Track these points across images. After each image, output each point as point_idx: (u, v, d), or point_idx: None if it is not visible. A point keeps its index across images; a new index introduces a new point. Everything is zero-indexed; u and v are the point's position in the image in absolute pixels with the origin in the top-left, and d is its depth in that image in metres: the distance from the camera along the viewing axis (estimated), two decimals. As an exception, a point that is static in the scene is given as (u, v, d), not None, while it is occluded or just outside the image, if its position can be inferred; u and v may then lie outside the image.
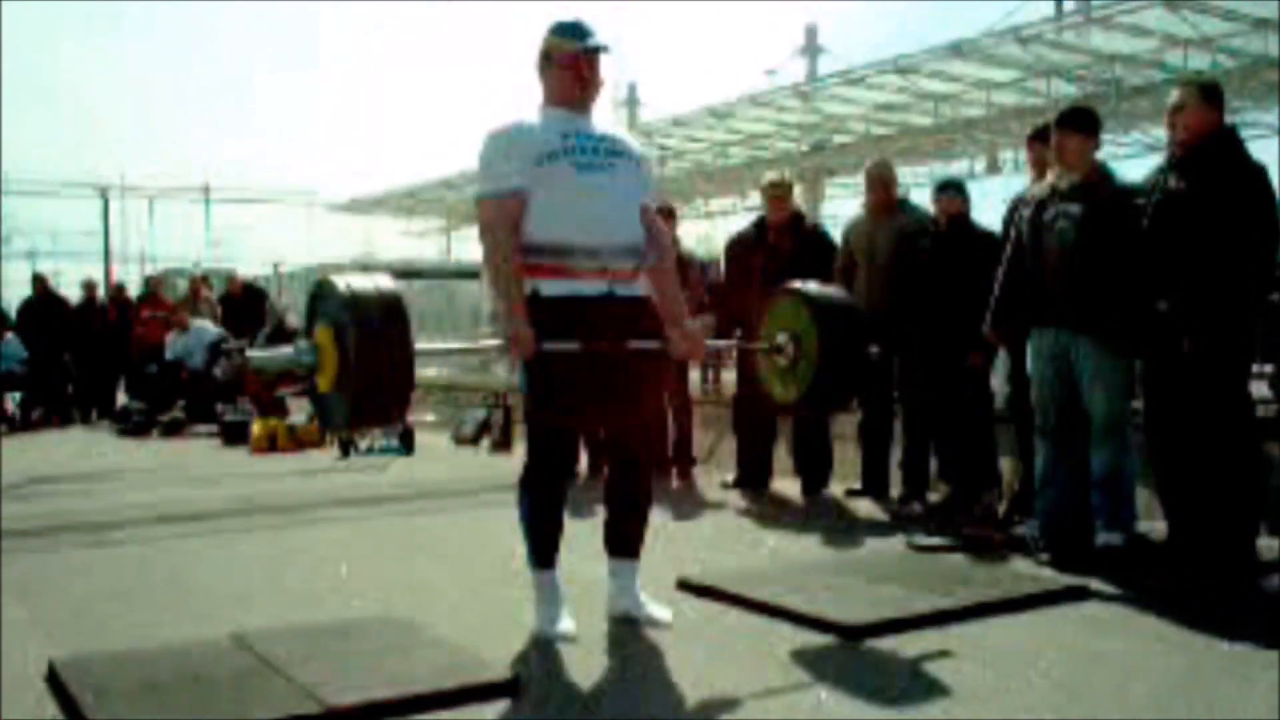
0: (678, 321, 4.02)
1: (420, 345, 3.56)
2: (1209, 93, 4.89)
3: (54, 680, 3.45)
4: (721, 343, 4.96)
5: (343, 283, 3.48)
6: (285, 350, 3.62)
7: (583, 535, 4.33)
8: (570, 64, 3.86)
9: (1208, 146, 4.76)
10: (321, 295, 3.60)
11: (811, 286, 4.48)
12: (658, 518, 4.35)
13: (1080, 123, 5.21)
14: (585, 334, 3.75)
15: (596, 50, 3.88)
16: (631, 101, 30.78)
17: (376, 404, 3.47)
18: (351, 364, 3.39)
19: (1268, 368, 7.72)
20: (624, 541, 4.17)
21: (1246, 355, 4.96)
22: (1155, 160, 5.25)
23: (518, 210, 3.77)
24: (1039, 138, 5.90)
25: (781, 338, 4.38)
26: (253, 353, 3.56)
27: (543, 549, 4.05)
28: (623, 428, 4.07)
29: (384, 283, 3.52)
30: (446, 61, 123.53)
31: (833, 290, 4.51)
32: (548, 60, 3.91)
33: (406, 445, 9.97)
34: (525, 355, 3.73)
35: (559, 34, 3.89)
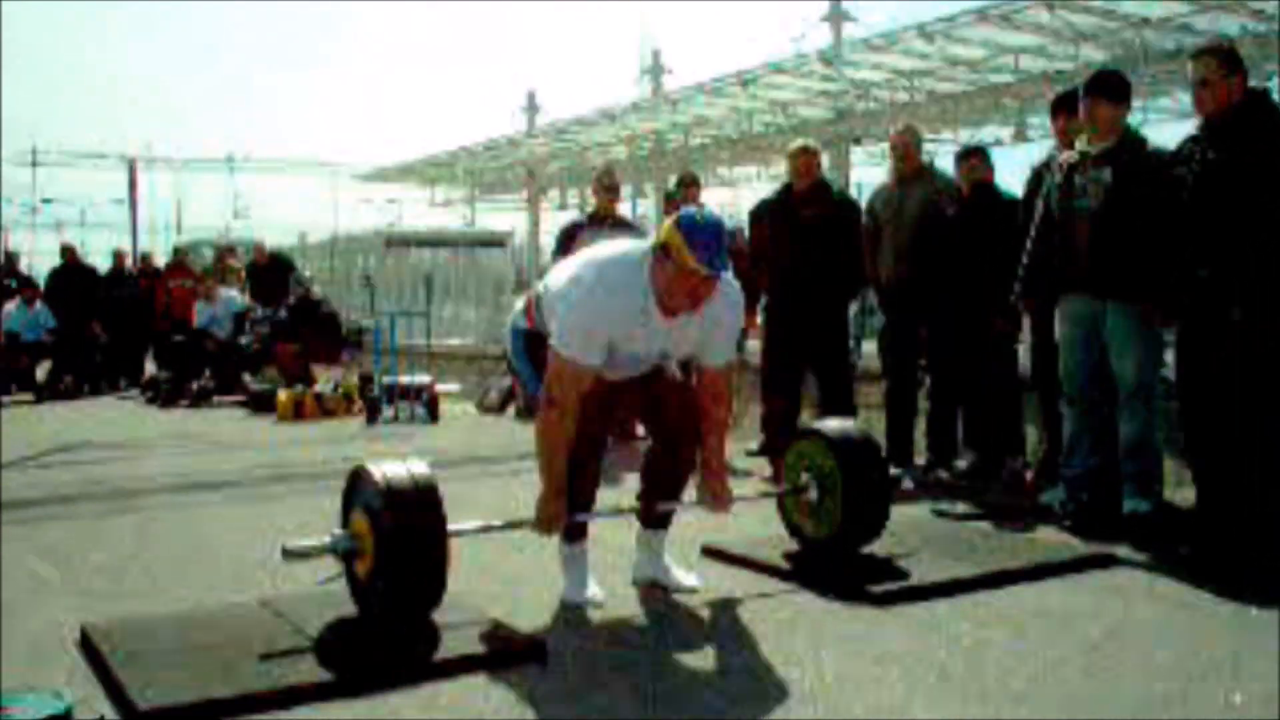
0: (717, 475, 4.11)
1: (452, 526, 3.59)
2: (1228, 59, 4.78)
3: (86, 644, 3.49)
4: (748, 497, 4.99)
5: (377, 470, 3.55)
6: (322, 540, 3.66)
7: (608, 501, 4.34)
8: (693, 284, 3.61)
9: (1240, 113, 4.69)
10: (357, 481, 3.68)
11: (831, 425, 4.56)
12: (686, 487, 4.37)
13: (1110, 88, 5.15)
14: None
15: (712, 270, 3.61)
16: (656, 69, 30.61)
17: (414, 593, 3.52)
18: (387, 554, 3.47)
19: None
20: (657, 513, 4.19)
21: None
22: (1185, 127, 5.17)
23: (589, 380, 3.75)
24: (1063, 105, 5.84)
25: (804, 477, 4.45)
26: (289, 543, 3.56)
27: (572, 522, 4.06)
28: (667, 405, 4.10)
29: (418, 469, 3.59)
30: (471, 31, 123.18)
31: (851, 427, 4.57)
32: (666, 254, 3.60)
33: (432, 414, 10.01)
34: (553, 534, 3.93)
35: (690, 246, 3.55)
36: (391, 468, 3.57)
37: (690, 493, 4.24)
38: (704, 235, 3.57)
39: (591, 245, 4.16)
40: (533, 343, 3.99)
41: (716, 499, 4.13)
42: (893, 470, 5.49)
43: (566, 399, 3.71)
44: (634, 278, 3.69)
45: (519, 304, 4.19)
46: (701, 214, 3.68)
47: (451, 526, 3.58)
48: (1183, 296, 4.80)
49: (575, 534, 4.07)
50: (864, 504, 4.33)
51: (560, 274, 3.92)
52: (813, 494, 4.42)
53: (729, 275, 3.77)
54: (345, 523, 3.72)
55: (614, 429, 7.09)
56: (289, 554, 3.62)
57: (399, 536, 3.44)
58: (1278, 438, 4.67)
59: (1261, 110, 4.71)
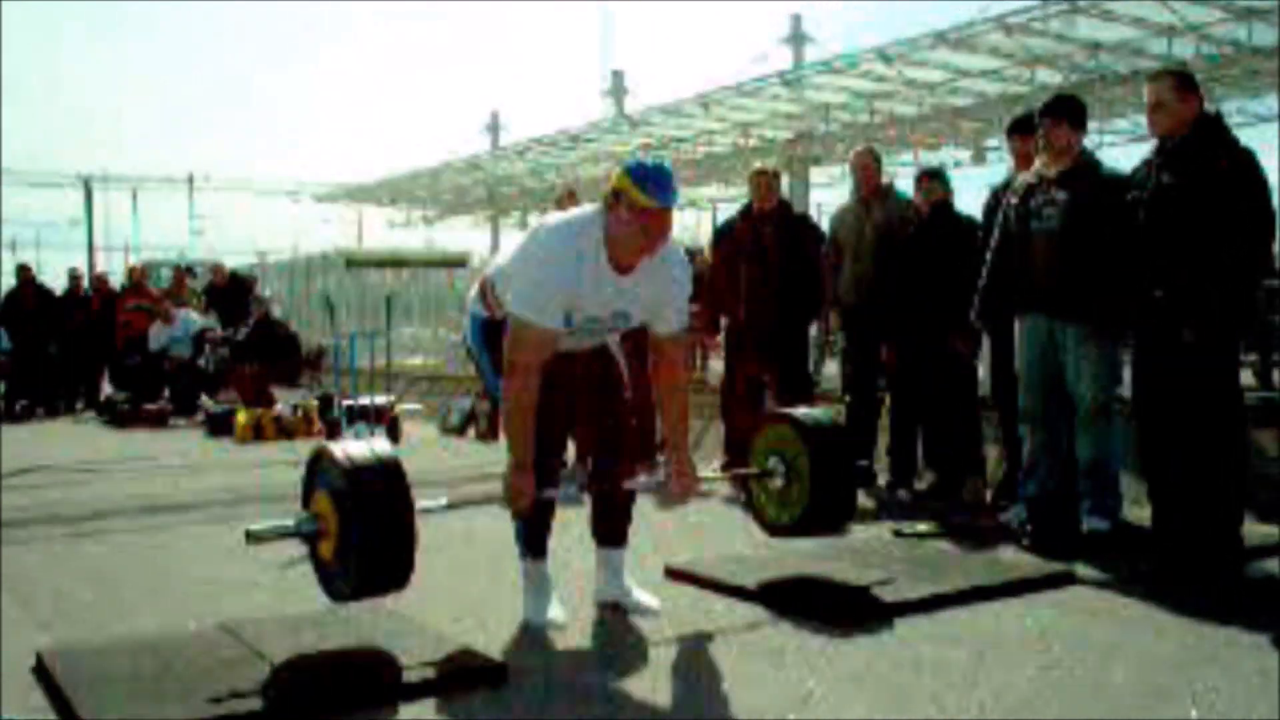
0: (680, 451, 4.06)
1: (420, 504, 3.50)
2: (1184, 82, 4.86)
3: (41, 671, 3.45)
4: (714, 475, 4.92)
5: (340, 449, 3.48)
6: (285, 521, 3.60)
7: (570, 524, 4.33)
8: (645, 220, 3.66)
9: (1194, 136, 4.76)
10: (319, 461, 3.59)
11: (801, 411, 4.52)
12: (644, 506, 4.36)
13: (1066, 111, 5.22)
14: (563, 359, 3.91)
15: (664, 203, 3.68)
16: (618, 90, 30.73)
17: (381, 571, 3.44)
18: (353, 533, 3.38)
19: (1252, 356, 7.76)
20: (610, 530, 4.19)
21: (1238, 343, 4.97)
22: (1141, 149, 5.24)
23: (552, 344, 3.76)
24: (1019, 129, 5.91)
25: (772, 461, 4.42)
26: (252, 527, 3.47)
27: (533, 539, 4.06)
28: (601, 417, 4.10)
29: (381, 447, 3.52)
30: (430, 53, 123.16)
31: (820, 413, 4.55)
32: (617, 199, 3.66)
33: (393, 435, 9.96)
34: (522, 508, 3.84)
35: (639, 183, 3.64)
36: (354, 446, 3.50)
37: (645, 484, 4.20)
38: (653, 173, 3.66)
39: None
40: (492, 332, 3.94)
41: (680, 478, 4.04)
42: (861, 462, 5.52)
43: (530, 365, 3.70)
44: (585, 236, 3.72)
45: (473, 290, 4.17)
46: (646, 158, 3.76)
47: (419, 504, 3.48)
48: (1137, 317, 4.86)
49: (537, 551, 4.06)
50: (831, 491, 4.29)
51: (510, 249, 3.98)
52: (779, 480, 4.39)
53: (678, 246, 3.89)
54: (306, 504, 3.63)
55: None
56: (252, 537, 3.55)
57: (365, 512, 3.35)
58: (1230, 457, 4.74)
59: (1213, 133, 4.79)
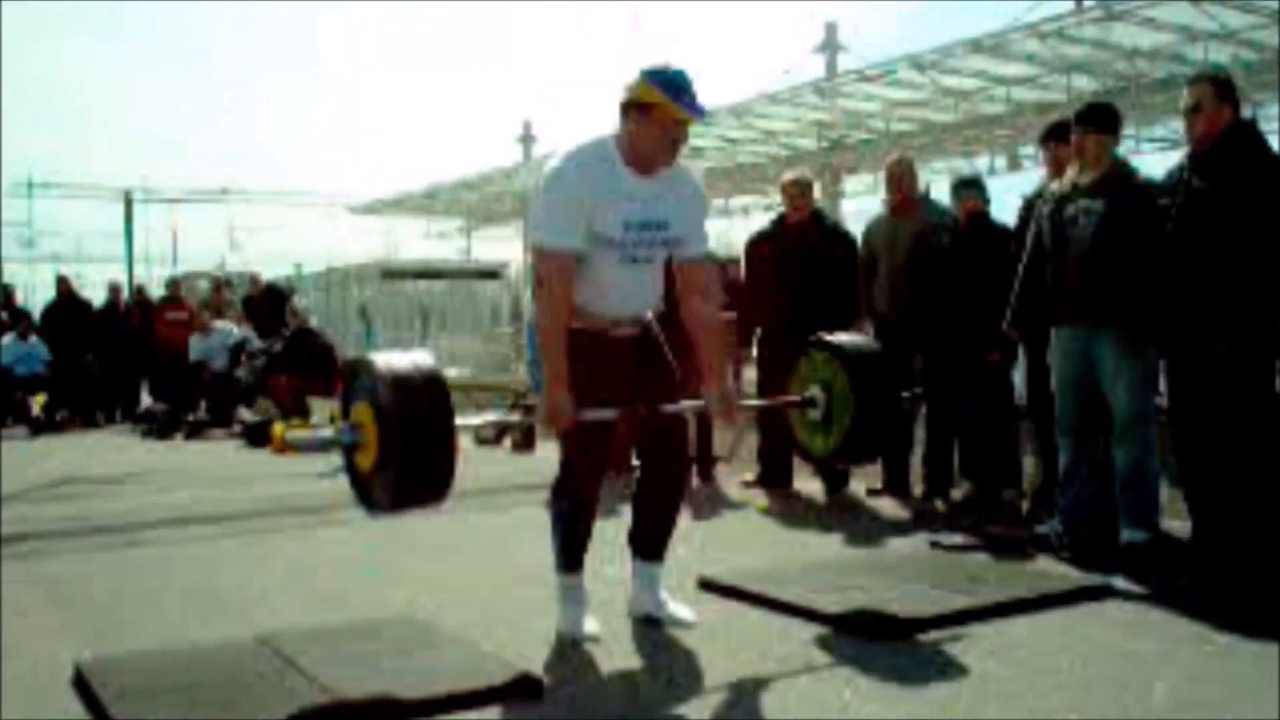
0: (717, 380, 4.05)
1: (460, 420, 3.47)
2: (1223, 88, 4.83)
3: (80, 682, 3.48)
4: (756, 402, 4.79)
5: (381, 360, 3.43)
6: (324, 431, 3.56)
7: (605, 534, 4.33)
8: (668, 126, 3.73)
9: (1227, 143, 4.72)
10: (358, 372, 3.55)
11: (842, 338, 4.49)
12: (679, 517, 4.36)
13: (1100, 119, 5.18)
14: (611, 359, 3.89)
15: (700, 116, 3.78)
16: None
17: (422, 483, 3.40)
18: (394, 442, 3.33)
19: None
20: (651, 544, 4.17)
21: (1275, 353, 4.92)
22: (1176, 156, 5.20)
23: (573, 269, 3.77)
24: (1053, 136, 5.88)
25: (814, 390, 4.39)
26: (291, 434, 3.44)
27: (571, 552, 4.06)
28: (657, 433, 4.08)
29: (421, 359, 3.47)
30: (461, 63, 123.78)
31: (862, 340, 4.51)
32: (635, 107, 3.73)
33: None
34: (561, 428, 3.82)
35: (661, 86, 3.69)
36: (395, 357, 3.45)
37: (689, 408, 4.17)
38: (684, 84, 3.71)
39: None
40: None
41: (722, 405, 4.02)
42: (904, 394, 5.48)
43: (553, 287, 3.74)
44: (597, 146, 3.80)
45: (527, 296, 4.19)
46: (666, 66, 3.76)
47: (460, 420, 3.45)
48: (1171, 326, 4.83)
49: (573, 564, 4.06)
50: (870, 416, 4.25)
51: None
52: (820, 409, 4.35)
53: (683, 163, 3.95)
54: (345, 414, 3.58)
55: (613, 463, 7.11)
56: (288, 445, 3.52)
57: (407, 421, 3.29)
58: (1269, 466, 4.69)
59: (1246, 140, 4.75)
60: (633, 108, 3.74)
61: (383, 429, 3.36)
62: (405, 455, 3.32)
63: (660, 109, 3.70)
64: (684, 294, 4.00)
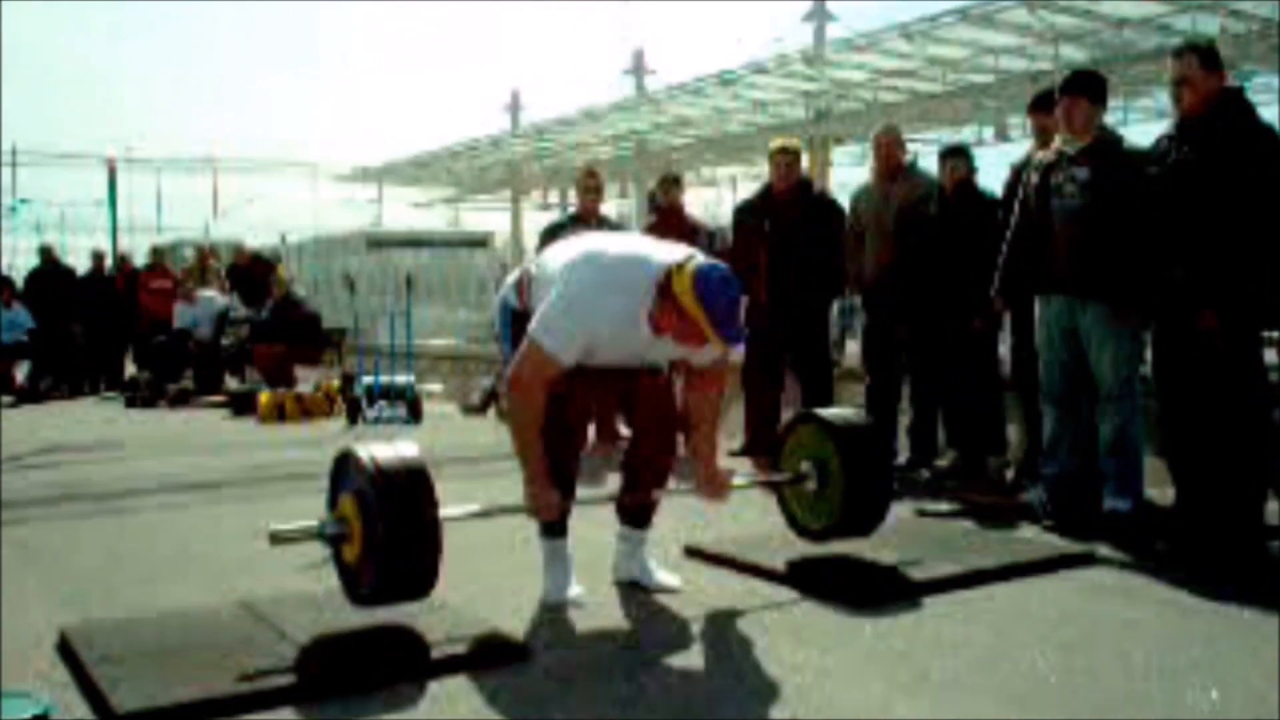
0: (709, 458, 4.06)
1: (445, 511, 3.46)
2: (1208, 58, 4.80)
3: (64, 647, 3.47)
4: (745, 484, 4.67)
5: (365, 452, 3.44)
6: (310, 523, 3.59)
7: (590, 501, 4.34)
8: (699, 339, 3.58)
9: (1214, 112, 4.71)
10: (345, 465, 3.57)
11: (831, 412, 4.49)
12: (666, 484, 4.36)
13: (1087, 87, 5.17)
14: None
15: (734, 346, 3.62)
16: (639, 69, 30.58)
17: (406, 577, 3.42)
18: (377, 537, 3.35)
19: (1275, 334, 7.68)
20: (638, 511, 4.18)
21: (1261, 322, 4.93)
22: (1163, 125, 5.18)
23: (556, 380, 3.69)
24: (1039, 105, 5.87)
25: (805, 465, 4.39)
26: (274, 526, 3.44)
27: (562, 476, 3.98)
28: (647, 402, 4.07)
29: (407, 451, 3.48)
30: (450, 32, 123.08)
31: (851, 414, 4.52)
32: (679, 312, 3.51)
33: (414, 414, 9.98)
34: (550, 518, 3.86)
35: (715, 324, 3.48)
36: (380, 449, 3.48)
37: (674, 485, 4.22)
38: (725, 309, 3.49)
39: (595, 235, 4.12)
40: (521, 324, 3.85)
41: (710, 485, 4.06)
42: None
43: (532, 387, 3.67)
44: (633, 292, 3.60)
45: (510, 278, 4.15)
46: (718, 277, 3.51)
47: (443, 512, 3.46)
48: (1157, 296, 4.83)
49: (557, 530, 4.06)
50: (866, 493, 4.28)
51: (559, 257, 3.82)
52: (812, 483, 4.36)
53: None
54: (333, 507, 3.64)
55: (597, 426, 7.10)
56: (277, 538, 3.56)
57: (390, 518, 3.33)
58: (1253, 436, 4.71)
59: (1234, 109, 4.74)
60: (677, 300, 3.50)
61: (366, 523, 3.41)
62: (388, 550, 3.35)
63: (697, 323, 3.49)
64: (690, 377, 4.01)
